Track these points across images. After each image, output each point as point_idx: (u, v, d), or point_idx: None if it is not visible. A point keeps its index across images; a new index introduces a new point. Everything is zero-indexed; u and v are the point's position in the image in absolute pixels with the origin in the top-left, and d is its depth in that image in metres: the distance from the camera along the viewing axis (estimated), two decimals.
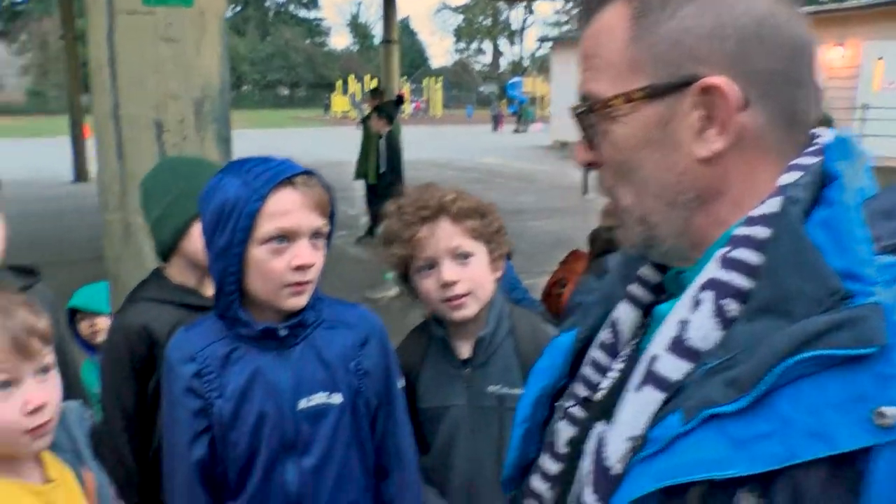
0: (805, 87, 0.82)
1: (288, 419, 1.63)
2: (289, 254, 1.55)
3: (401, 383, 1.82)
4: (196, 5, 2.30)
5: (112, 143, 2.27)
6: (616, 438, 0.79)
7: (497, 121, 40.96)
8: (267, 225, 1.53)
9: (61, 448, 1.60)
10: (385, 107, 8.52)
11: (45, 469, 1.54)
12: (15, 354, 1.41)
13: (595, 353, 0.99)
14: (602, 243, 4.79)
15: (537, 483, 1.01)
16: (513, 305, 1.99)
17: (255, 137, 28.52)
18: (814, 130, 0.85)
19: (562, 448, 0.97)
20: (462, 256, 1.83)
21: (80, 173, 17.74)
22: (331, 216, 1.65)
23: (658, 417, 0.74)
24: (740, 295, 0.75)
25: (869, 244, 0.70)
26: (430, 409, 1.92)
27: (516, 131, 38.86)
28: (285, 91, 76.97)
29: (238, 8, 75.89)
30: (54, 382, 1.51)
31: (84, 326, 2.95)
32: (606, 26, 0.85)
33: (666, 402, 0.75)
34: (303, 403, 1.64)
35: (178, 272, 1.99)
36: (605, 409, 0.85)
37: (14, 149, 28.27)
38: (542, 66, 61.50)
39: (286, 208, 1.53)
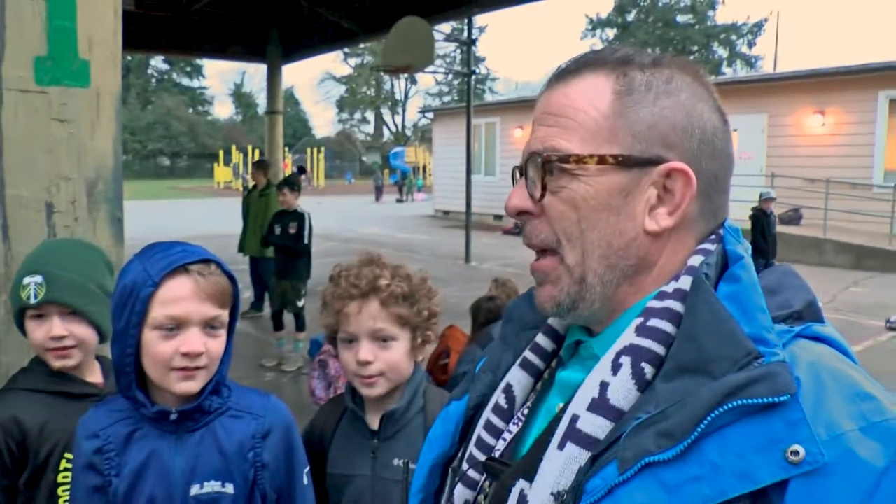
0: (727, 195, 0.98)
1: None
2: (178, 340, 1.58)
3: (306, 479, 1.81)
4: (92, 85, 2.29)
5: None
6: (539, 494, 0.85)
7: (379, 191, 41.09)
8: (158, 310, 1.56)
9: None
10: (292, 179, 8.48)
11: None
12: None
13: (490, 417, 1.04)
14: (485, 314, 4.96)
15: None
16: (429, 384, 2.04)
17: (132, 210, 27.70)
18: None
19: None
20: (382, 339, 1.88)
21: None
22: (234, 305, 1.69)
23: (593, 470, 0.80)
24: (656, 359, 0.85)
25: (768, 315, 0.82)
26: (336, 476, 1.94)
27: (399, 201, 39.15)
28: (166, 161, 75.30)
29: None
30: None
31: None
32: (586, 92, 0.93)
33: (596, 457, 0.81)
34: (195, 490, 1.64)
35: None
36: (526, 469, 0.90)
37: None
38: (423, 136, 62.52)
39: (177, 296, 1.57)
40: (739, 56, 62.68)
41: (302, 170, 11.27)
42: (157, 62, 76.11)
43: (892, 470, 0.72)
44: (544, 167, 0.92)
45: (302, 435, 1.99)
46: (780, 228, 16.30)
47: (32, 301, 1.85)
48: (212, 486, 1.65)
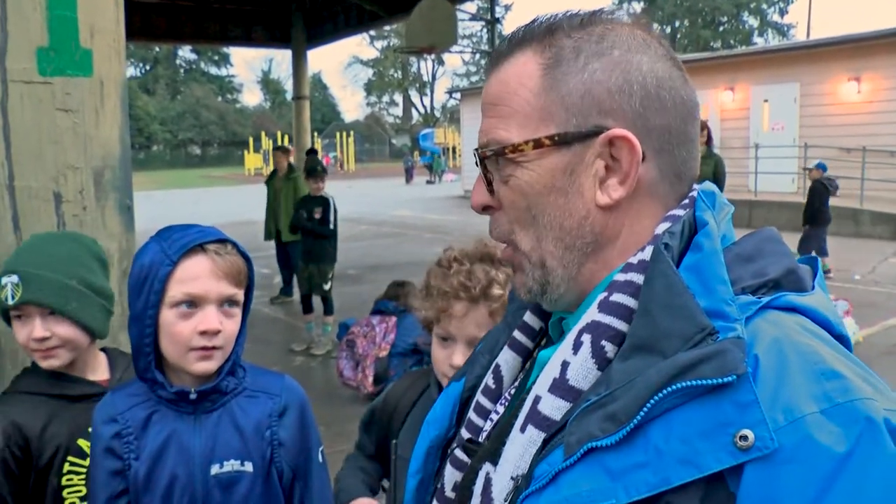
0: (692, 144, 0.90)
1: (199, 484, 1.65)
2: (196, 319, 1.60)
3: (321, 458, 1.82)
4: (95, 74, 2.28)
5: (8, 215, 2.21)
6: (501, 478, 0.82)
7: (409, 173, 41.00)
8: (176, 289, 1.58)
9: None
10: (313, 164, 8.49)
11: None
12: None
13: (479, 398, 1.03)
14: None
15: None
16: None
17: (164, 198, 28.02)
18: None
19: (449, 492, 1.00)
20: None
21: None
22: (249, 286, 1.71)
23: (543, 455, 0.77)
24: (617, 337, 0.80)
25: (728, 286, 0.77)
26: (402, 459, 1.84)
27: (429, 182, 39.14)
28: (197, 150, 75.99)
29: (147, 67, 74.99)
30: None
31: None
32: (516, 74, 0.89)
33: (548, 440, 0.78)
34: (215, 469, 1.67)
35: None
36: (492, 451, 0.89)
37: None
38: (452, 117, 62.31)
39: (195, 274, 1.59)
40: (770, 25, 61.65)
41: (312, 150, 11.34)
42: (185, 52, 76.65)
43: (855, 456, 0.66)
44: (484, 162, 0.91)
45: (371, 407, 1.96)
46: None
47: (10, 302, 1.81)
48: (231, 466, 1.68)
